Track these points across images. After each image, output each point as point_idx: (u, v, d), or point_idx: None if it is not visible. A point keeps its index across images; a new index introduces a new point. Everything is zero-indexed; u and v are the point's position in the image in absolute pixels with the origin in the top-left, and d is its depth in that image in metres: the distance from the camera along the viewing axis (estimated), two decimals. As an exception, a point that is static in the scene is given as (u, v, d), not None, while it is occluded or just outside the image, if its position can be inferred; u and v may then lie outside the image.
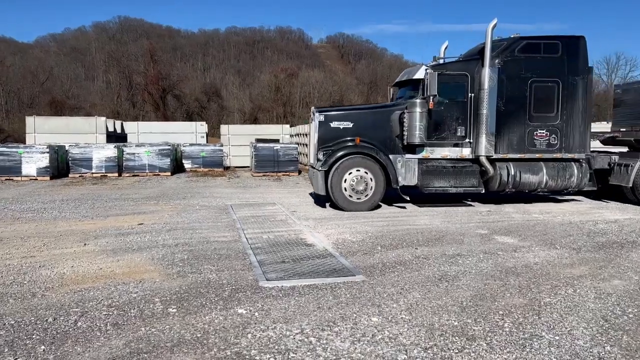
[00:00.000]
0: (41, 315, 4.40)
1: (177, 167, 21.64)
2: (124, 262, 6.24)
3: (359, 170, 10.51)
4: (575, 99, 11.15)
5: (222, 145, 23.70)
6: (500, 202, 12.05)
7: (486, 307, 4.74)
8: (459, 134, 10.99)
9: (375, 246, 7.24)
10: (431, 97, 10.44)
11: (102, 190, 14.54)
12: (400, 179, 10.76)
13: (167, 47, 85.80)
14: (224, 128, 27.41)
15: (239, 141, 25.63)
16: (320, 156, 10.64)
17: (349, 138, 10.71)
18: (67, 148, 19.84)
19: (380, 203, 11.02)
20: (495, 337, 4.03)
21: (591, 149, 12.27)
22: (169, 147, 20.49)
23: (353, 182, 10.46)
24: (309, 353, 3.71)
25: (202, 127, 27.41)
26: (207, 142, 26.47)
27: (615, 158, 11.98)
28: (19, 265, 6.07)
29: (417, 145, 10.71)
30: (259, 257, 6.47)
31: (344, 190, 10.47)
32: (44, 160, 17.86)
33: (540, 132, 11.13)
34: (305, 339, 3.96)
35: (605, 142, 13.43)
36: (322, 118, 10.84)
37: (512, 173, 11.03)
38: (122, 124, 29.58)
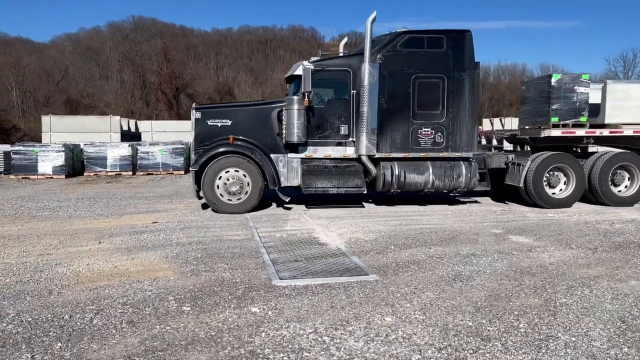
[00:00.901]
0: (58, 313, 4.46)
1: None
2: (138, 260, 6.29)
3: (235, 171, 10.09)
4: (461, 96, 10.61)
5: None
6: (514, 201, 11.94)
7: (501, 307, 4.71)
8: (342, 132, 10.48)
9: (389, 245, 7.22)
10: (306, 94, 9.98)
11: (117, 189, 14.67)
12: (282, 179, 10.34)
13: (181, 46, 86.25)
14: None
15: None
16: (193, 155, 10.22)
17: (226, 137, 10.24)
18: (82, 147, 20.06)
19: (393, 202, 10.95)
20: (511, 338, 4.00)
21: (505, 148, 11.95)
22: (183, 146, 20.61)
23: (226, 182, 10.03)
24: (322, 352, 3.71)
25: None
26: None
27: (512, 157, 11.48)
28: (36, 262, 6.14)
29: (298, 144, 10.24)
30: (272, 256, 6.49)
31: (216, 191, 10.02)
32: (60, 159, 18.08)
33: (425, 131, 10.58)
34: (319, 338, 3.96)
35: (509, 140, 12.92)
36: (198, 115, 10.34)
37: (397, 173, 10.45)
38: (136, 122, 29.83)
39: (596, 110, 11.26)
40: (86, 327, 4.16)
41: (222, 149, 10.09)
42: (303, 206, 10.92)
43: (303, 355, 3.66)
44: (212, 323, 4.25)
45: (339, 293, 5.06)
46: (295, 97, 10.10)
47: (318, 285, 5.30)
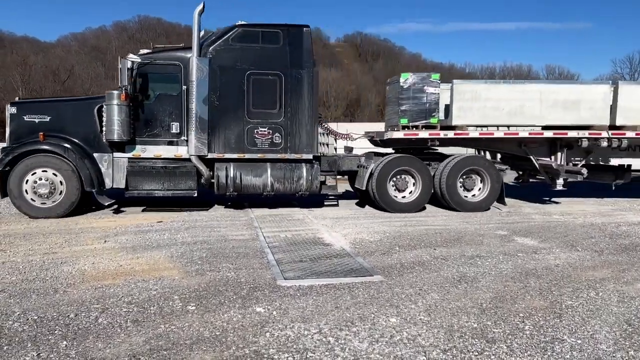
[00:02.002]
0: (63, 311, 4.47)
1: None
2: (143, 260, 6.30)
3: (44, 171, 9.29)
4: (300, 95, 10.08)
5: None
6: (519, 202, 11.91)
7: (506, 309, 4.69)
8: (173, 130, 9.84)
9: (393, 246, 7.21)
10: (123, 89, 9.36)
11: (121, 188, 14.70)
12: (107, 180, 9.70)
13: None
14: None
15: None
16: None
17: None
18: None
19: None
20: (516, 340, 3.98)
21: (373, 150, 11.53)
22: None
23: (35, 184, 9.23)
24: (327, 353, 3.71)
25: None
26: None
27: (363, 159, 10.92)
28: (41, 261, 6.17)
29: (124, 142, 9.59)
30: (277, 256, 6.49)
31: (25, 194, 9.21)
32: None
33: (262, 130, 10.02)
34: (324, 339, 3.96)
35: (372, 142, 12.34)
36: (13, 111, 9.57)
37: (232, 175, 9.93)
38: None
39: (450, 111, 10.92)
40: (91, 325, 4.17)
41: (29, 148, 9.33)
42: (308, 207, 10.92)
43: (307, 356, 3.66)
44: (216, 323, 4.25)
45: (343, 294, 5.05)
46: (115, 92, 9.42)
47: (323, 285, 5.30)
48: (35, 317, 4.32)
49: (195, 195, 9.98)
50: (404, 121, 10.52)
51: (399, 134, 10.65)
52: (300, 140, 10.19)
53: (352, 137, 11.69)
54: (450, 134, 10.68)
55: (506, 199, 10.94)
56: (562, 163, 11.07)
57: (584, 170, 10.96)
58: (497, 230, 8.50)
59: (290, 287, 5.23)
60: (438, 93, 10.53)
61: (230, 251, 6.79)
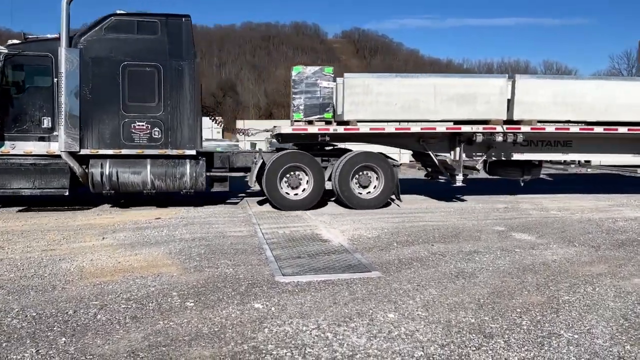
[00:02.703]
0: (62, 308, 4.48)
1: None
2: (141, 256, 6.31)
3: None
4: (181, 88, 9.67)
5: (237, 141, 23.76)
6: (517, 198, 11.93)
7: (504, 304, 4.71)
8: (45, 125, 9.32)
9: (391, 242, 7.22)
10: None
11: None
12: None
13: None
14: (239, 123, 27.59)
15: (254, 136, 25.68)
16: None
17: None
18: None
19: (396, 199, 10.95)
20: (513, 335, 4.00)
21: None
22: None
23: None
24: (325, 348, 3.73)
25: (218, 122, 27.52)
26: (222, 137, 26.55)
27: (257, 155, 10.50)
28: (40, 258, 6.17)
29: None
30: (275, 252, 6.50)
31: None
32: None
33: (139, 125, 9.55)
34: (322, 335, 3.97)
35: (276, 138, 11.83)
36: None
37: (108, 172, 9.44)
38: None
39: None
40: (90, 322, 4.18)
41: None
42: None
43: (306, 351, 3.67)
44: (215, 319, 4.27)
45: (341, 289, 5.07)
46: None
47: (321, 281, 5.32)
48: (34, 314, 4.33)
49: (67, 194, 9.48)
50: (297, 116, 10.21)
51: (287, 129, 10.39)
52: (182, 135, 9.77)
53: (251, 133, 11.65)
54: (340, 129, 10.29)
55: (509, 196, 10.91)
56: (458, 159, 10.73)
57: (479, 166, 10.85)
58: (495, 226, 8.52)
59: (289, 283, 5.24)
60: (332, 87, 10.21)
61: (229, 247, 6.80)
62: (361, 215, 9.53)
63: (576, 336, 4.00)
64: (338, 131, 10.30)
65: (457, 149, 10.73)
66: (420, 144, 10.91)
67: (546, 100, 10.49)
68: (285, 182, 10.16)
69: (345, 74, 10.41)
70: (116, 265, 5.88)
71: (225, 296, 4.84)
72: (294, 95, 10.24)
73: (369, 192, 10.45)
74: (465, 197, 11.92)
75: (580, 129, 10.73)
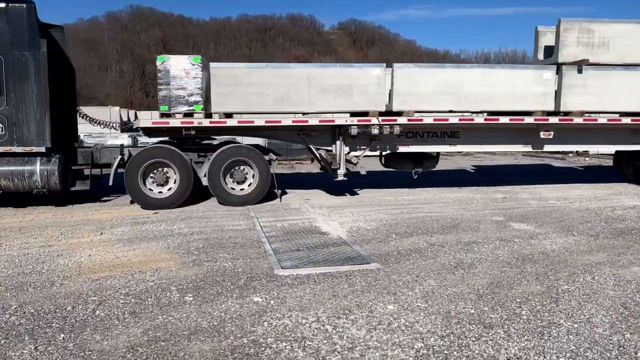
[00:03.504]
0: (60, 304, 4.46)
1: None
2: (140, 251, 6.29)
3: None
4: (26, 80, 8.93)
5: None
6: (515, 189, 11.93)
7: (503, 294, 4.71)
8: None
9: (390, 234, 7.22)
10: None
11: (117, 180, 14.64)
12: None
13: (179, 36, 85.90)
14: (236, 116, 27.51)
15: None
16: None
17: None
18: (81, 137, 19.99)
19: (394, 191, 10.93)
20: (513, 325, 4.00)
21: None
22: (181, 136, 20.50)
23: None
24: (325, 341, 3.72)
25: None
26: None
27: (129, 151, 9.78)
28: (38, 254, 6.15)
29: None
30: (274, 246, 6.49)
31: None
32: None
33: None
34: (322, 327, 3.97)
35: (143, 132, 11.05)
36: None
37: None
38: (135, 113, 29.80)
39: None
40: (89, 318, 4.17)
41: None
42: (304, 196, 10.91)
43: (306, 344, 3.67)
44: (214, 313, 4.26)
45: (341, 282, 5.06)
46: None
47: (320, 274, 5.31)
48: (32, 310, 4.32)
49: None
50: (164, 108, 9.56)
51: (147, 123, 9.87)
52: (29, 131, 9.06)
53: (114, 127, 10.75)
54: (206, 122, 9.63)
55: (504, 187, 10.86)
56: (339, 152, 10.24)
57: (355, 160, 10.44)
58: (494, 217, 8.52)
59: (288, 276, 5.23)
60: (200, 77, 9.54)
61: (227, 241, 6.78)
62: (359, 207, 9.52)
63: (576, 325, 4.00)
64: (203, 124, 9.62)
65: (338, 142, 10.25)
66: (301, 137, 10.41)
67: (427, 90, 10.11)
68: (152, 179, 9.56)
69: (211, 63, 9.84)
70: (114, 261, 5.86)
71: (224, 290, 4.83)
72: (159, 87, 9.59)
73: (243, 188, 9.89)
74: (463, 188, 11.91)
75: (460, 120, 10.29)
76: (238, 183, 9.90)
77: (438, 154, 11.22)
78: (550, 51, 11.08)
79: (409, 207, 9.60)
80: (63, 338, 3.78)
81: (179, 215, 8.70)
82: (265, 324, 4.02)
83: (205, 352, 3.55)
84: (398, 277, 5.23)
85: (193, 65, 9.54)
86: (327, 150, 10.61)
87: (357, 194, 11.13)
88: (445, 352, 3.56)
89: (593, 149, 11.79)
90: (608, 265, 5.65)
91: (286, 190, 11.36)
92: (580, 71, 10.45)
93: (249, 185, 9.92)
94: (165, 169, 9.59)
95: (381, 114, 10.02)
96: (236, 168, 9.86)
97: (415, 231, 7.40)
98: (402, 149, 10.65)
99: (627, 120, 10.70)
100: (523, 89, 10.33)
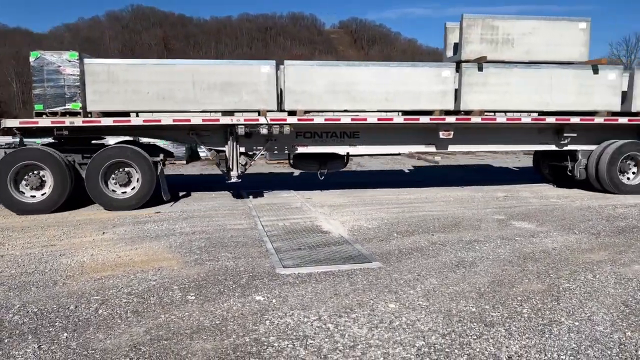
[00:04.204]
0: (63, 303, 4.48)
1: (192, 156, 21.74)
2: (142, 251, 6.31)
3: None
4: None
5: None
6: (516, 187, 11.93)
7: (504, 293, 4.72)
8: None
9: (391, 233, 7.23)
10: None
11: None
12: None
13: (180, 36, 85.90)
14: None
15: None
16: None
17: None
18: (83, 137, 20.00)
19: (395, 189, 10.93)
20: (514, 323, 4.01)
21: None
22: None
23: None
24: (327, 339, 3.73)
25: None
26: None
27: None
28: (40, 253, 6.17)
29: None
30: (275, 245, 6.50)
31: None
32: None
33: None
34: (323, 326, 3.98)
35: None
36: None
37: None
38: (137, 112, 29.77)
39: None
40: (92, 317, 4.19)
41: None
42: (306, 195, 10.92)
43: (307, 343, 3.68)
44: (216, 312, 4.27)
45: (342, 281, 5.08)
46: None
47: (321, 273, 5.32)
48: (35, 310, 4.34)
49: None
50: (39, 107, 9.05)
51: (13, 123, 9.17)
52: None
53: None
54: (78, 122, 9.07)
55: (505, 186, 10.80)
56: (232, 153, 9.85)
57: (243, 161, 10.06)
58: (495, 215, 8.53)
59: (290, 275, 5.25)
60: (77, 74, 9.04)
61: (229, 240, 6.80)
62: (361, 206, 9.53)
63: (577, 323, 4.02)
64: (75, 124, 9.06)
65: (230, 143, 9.86)
66: (191, 136, 9.96)
67: (320, 89, 9.68)
68: (25, 182, 8.98)
69: (86, 59, 9.25)
70: (117, 260, 5.88)
71: (226, 289, 4.85)
72: (34, 85, 9.06)
73: (125, 191, 9.36)
74: (465, 187, 11.92)
75: (352, 119, 9.91)
76: (122, 186, 9.37)
77: (347, 154, 10.80)
78: (457, 48, 10.65)
79: (410, 205, 9.61)
80: (66, 337, 3.80)
81: (180, 214, 8.72)
82: (267, 323, 4.04)
83: (208, 350, 3.57)
84: (399, 275, 5.24)
85: (69, 61, 9.07)
86: (218, 151, 10.21)
87: (359, 193, 11.14)
88: (447, 350, 3.57)
89: (499, 149, 11.04)
90: (609, 264, 5.66)
91: (289, 190, 11.36)
92: (480, 69, 10.09)
93: (132, 189, 9.39)
94: (41, 172, 9.02)
95: (274, 113, 9.71)
96: (119, 170, 9.32)
97: (417, 230, 7.41)
98: (300, 149, 10.26)
99: (527, 119, 10.47)
100: (421, 88, 9.95)
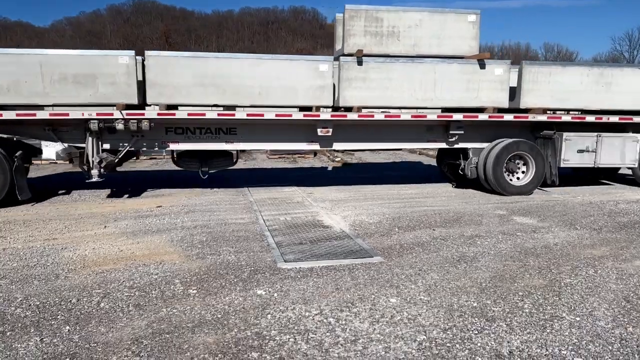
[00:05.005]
0: (65, 297, 4.49)
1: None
2: (144, 244, 6.32)
3: None
4: None
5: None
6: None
7: (505, 288, 4.72)
8: None
9: (393, 227, 7.23)
10: None
11: (120, 174, 14.69)
12: None
13: (181, 30, 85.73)
14: (239, 110, 27.48)
15: None
16: None
17: None
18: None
19: (397, 185, 10.92)
20: (515, 318, 4.02)
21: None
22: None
23: None
24: (328, 334, 3.74)
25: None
26: None
27: None
28: (42, 247, 6.18)
29: None
30: (277, 239, 6.51)
31: None
32: (62, 144, 18.02)
33: None
34: (325, 320, 3.99)
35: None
36: None
37: None
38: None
39: None
40: (93, 310, 4.20)
41: None
42: (307, 190, 10.92)
43: (309, 337, 3.69)
44: (218, 306, 4.28)
45: (343, 275, 5.08)
46: None
47: (323, 267, 5.33)
48: (38, 303, 4.35)
49: None
50: None
51: None
52: None
53: None
54: None
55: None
56: (91, 150, 9.24)
57: (96, 158, 9.21)
58: (496, 210, 8.52)
59: (291, 270, 5.26)
60: None
61: (231, 235, 6.80)
62: (362, 201, 9.52)
63: (578, 319, 4.02)
64: None
65: (89, 139, 9.18)
66: (47, 132, 9.25)
67: (187, 82, 9.05)
68: None
69: None
70: (118, 254, 5.89)
71: (227, 283, 4.85)
72: None
73: None
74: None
75: (219, 115, 9.39)
76: None
77: (237, 152, 10.36)
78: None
79: (412, 200, 9.61)
80: (68, 330, 3.81)
81: (182, 208, 8.72)
82: (269, 317, 4.05)
83: (209, 344, 3.57)
84: (401, 270, 5.24)
85: None
86: (78, 148, 9.45)
87: (360, 188, 11.13)
88: (448, 344, 3.58)
89: (388, 147, 10.31)
90: (611, 259, 5.66)
91: (291, 185, 11.37)
92: (360, 63, 9.40)
93: None
94: None
95: (134, 107, 9.04)
96: None
97: (418, 225, 7.41)
98: (173, 146, 9.70)
99: (406, 116, 9.85)
100: (298, 82, 9.34)
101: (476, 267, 5.35)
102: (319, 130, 9.66)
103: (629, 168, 11.08)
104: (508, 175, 10.22)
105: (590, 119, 10.44)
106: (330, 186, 11.30)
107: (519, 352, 3.46)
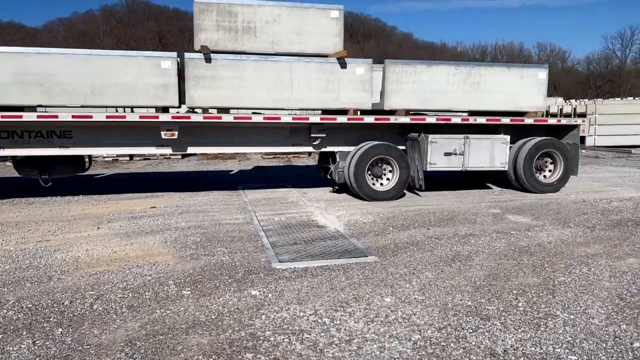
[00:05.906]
0: (58, 299, 4.46)
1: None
2: (137, 246, 6.29)
3: None
4: None
5: None
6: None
7: (500, 286, 4.73)
8: None
9: (387, 227, 7.23)
10: None
11: (114, 174, 14.63)
12: None
13: (175, 30, 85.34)
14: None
15: None
16: None
17: None
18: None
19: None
20: (510, 317, 4.02)
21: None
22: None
23: None
24: (322, 334, 3.73)
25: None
26: None
27: None
28: (35, 249, 6.14)
29: None
30: (271, 239, 6.49)
31: None
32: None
33: None
34: (319, 320, 3.98)
35: None
36: None
37: None
38: (132, 108, 29.62)
39: None
40: (86, 312, 4.17)
41: None
42: (302, 190, 10.91)
43: (303, 337, 3.68)
44: (212, 306, 4.26)
45: (338, 275, 5.07)
46: None
47: (317, 267, 5.32)
48: (30, 305, 4.32)
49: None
50: None
51: None
52: None
53: None
54: None
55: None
56: None
57: None
58: (490, 209, 8.54)
59: (285, 270, 5.24)
60: None
61: (225, 235, 6.78)
62: (357, 200, 9.52)
63: (572, 317, 4.03)
64: None
65: None
66: None
67: (5, 80, 8.25)
68: None
69: None
70: (112, 255, 5.86)
71: (221, 284, 4.84)
72: None
73: None
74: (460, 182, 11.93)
75: (38, 117, 8.49)
76: None
77: (90, 156, 9.64)
78: None
79: (406, 199, 9.61)
80: (61, 332, 3.78)
81: (176, 209, 8.69)
82: (263, 317, 4.04)
83: (204, 345, 3.56)
84: (395, 269, 5.24)
85: None
86: None
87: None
88: (443, 343, 3.58)
89: (249, 150, 9.29)
90: (604, 257, 5.68)
91: (285, 185, 11.35)
92: (208, 60, 8.77)
93: None
94: None
95: None
96: None
97: (412, 224, 7.42)
98: (1, 152, 8.72)
99: (258, 118, 9.14)
100: (136, 81, 8.61)
101: (470, 266, 5.36)
102: (162, 133, 8.81)
103: (499, 171, 10.32)
104: (373, 180, 9.58)
105: (456, 120, 9.78)
106: (325, 186, 11.29)
107: (513, 351, 3.47)
